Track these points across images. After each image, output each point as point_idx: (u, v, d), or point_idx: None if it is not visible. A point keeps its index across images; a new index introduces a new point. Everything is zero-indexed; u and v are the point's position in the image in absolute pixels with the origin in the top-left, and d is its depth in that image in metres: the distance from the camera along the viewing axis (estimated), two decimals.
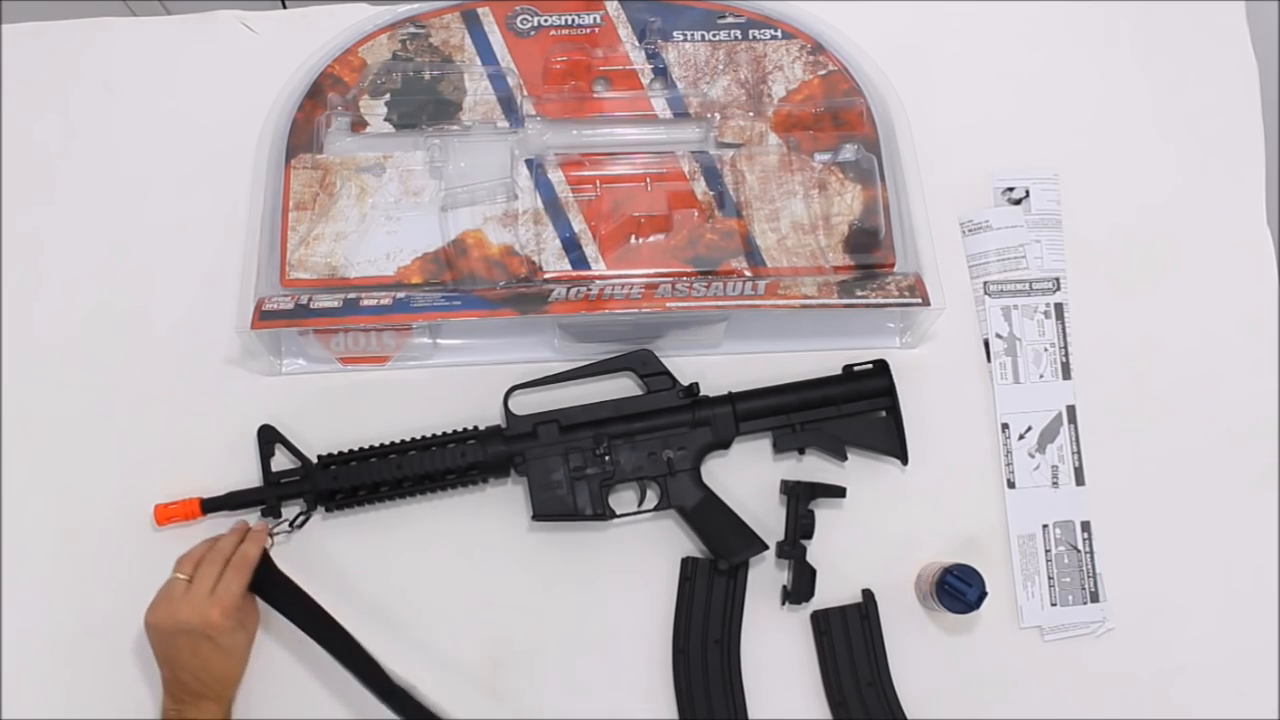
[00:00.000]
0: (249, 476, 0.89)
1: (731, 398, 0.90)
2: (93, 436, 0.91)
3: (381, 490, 0.86)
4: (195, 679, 0.80)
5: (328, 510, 0.87)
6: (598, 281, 0.90)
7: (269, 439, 0.87)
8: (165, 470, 0.89)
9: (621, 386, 0.93)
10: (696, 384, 0.89)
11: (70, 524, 0.89)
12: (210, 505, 0.86)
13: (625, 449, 0.88)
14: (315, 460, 0.87)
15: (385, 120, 0.95)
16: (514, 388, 0.89)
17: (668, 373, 0.90)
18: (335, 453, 0.87)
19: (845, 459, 0.90)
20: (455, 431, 0.88)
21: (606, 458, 0.87)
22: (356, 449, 0.87)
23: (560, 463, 0.87)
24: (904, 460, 0.90)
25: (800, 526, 0.86)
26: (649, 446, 0.88)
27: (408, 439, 0.88)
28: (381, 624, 0.87)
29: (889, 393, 0.90)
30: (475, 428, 0.88)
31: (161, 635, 0.80)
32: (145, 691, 0.86)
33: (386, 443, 0.87)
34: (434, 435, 0.88)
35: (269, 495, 0.86)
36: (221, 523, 0.88)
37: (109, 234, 0.96)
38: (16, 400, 0.92)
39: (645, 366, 0.90)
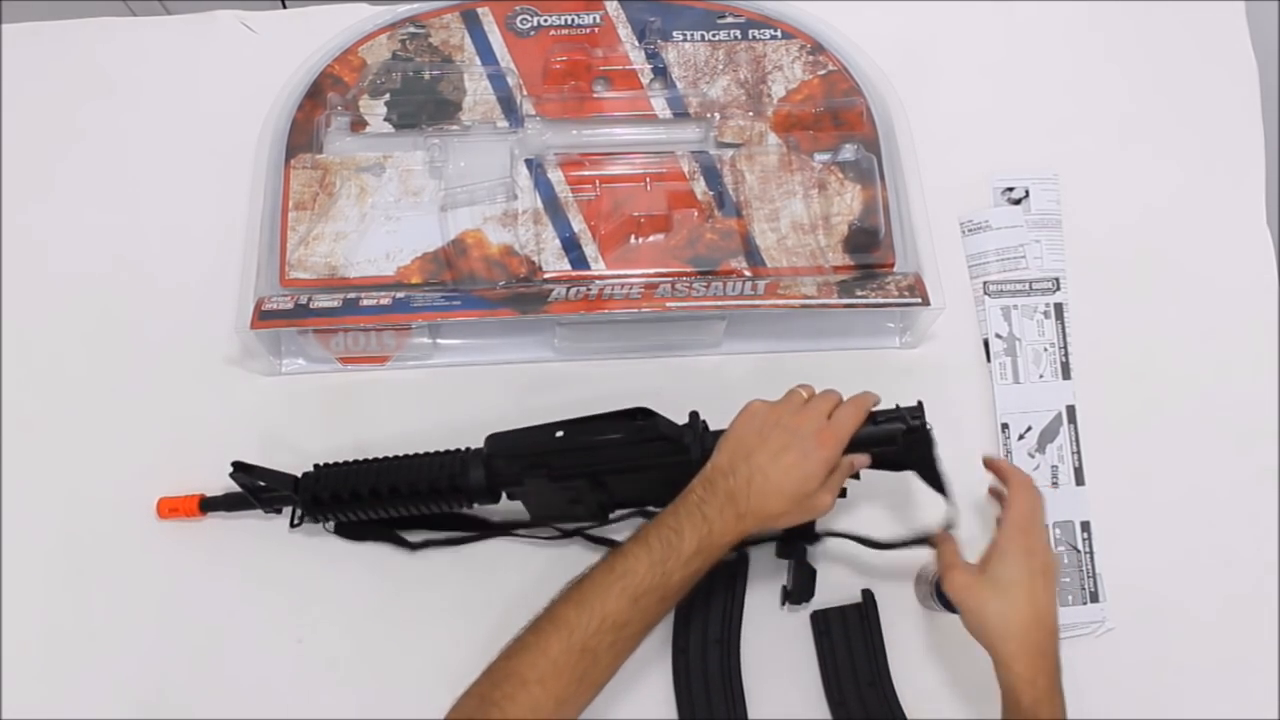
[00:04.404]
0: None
1: None
2: (92, 436, 0.91)
3: (365, 499, 0.82)
4: (747, 486, 0.72)
5: (315, 520, 0.84)
6: (597, 281, 0.90)
7: (244, 469, 0.82)
8: (165, 470, 0.89)
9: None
10: (696, 415, 0.81)
11: (70, 524, 0.89)
12: (209, 504, 0.86)
13: (623, 484, 0.82)
14: (300, 474, 0.84)
15: (385, 120, 0.95)
16: (495, 439, 0.81)
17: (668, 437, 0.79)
18: (325, 463, 0.84)
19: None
20: (443, 452, 0.83)
21: (604, 489, 0.82)
22: (346, 460, 0.84)
23: (554, 491, 0.81)
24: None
25: (800, 527, 0.86)
26: (649, 477, 0.81)
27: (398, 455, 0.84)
28: (380, 624, 0.87)
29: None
30: (466, 448, 0.82)
31: (755, 425, 0.74)
32: (147, 691, 0.85)
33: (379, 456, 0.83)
34: (421, 453, 0.84)
35: (263, 502, 0.84)
36: (221, 520, 0.88)
37: (109, 234, 0.96)
38: (16, 399, 0.92)
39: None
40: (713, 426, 0.80)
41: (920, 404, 0.79)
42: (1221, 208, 1.01)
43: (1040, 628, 0.72)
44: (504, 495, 0.82)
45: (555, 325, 0.92)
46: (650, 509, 0.85)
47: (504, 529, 0.88)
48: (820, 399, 0.76)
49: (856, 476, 0.79)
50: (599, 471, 0.80)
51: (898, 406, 0.79)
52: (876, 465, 0.79)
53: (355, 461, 0.84)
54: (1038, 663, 0.71)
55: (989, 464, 0.83)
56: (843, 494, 0.78)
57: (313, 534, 0.87)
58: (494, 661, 0.70)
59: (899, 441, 0.78)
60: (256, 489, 0.83)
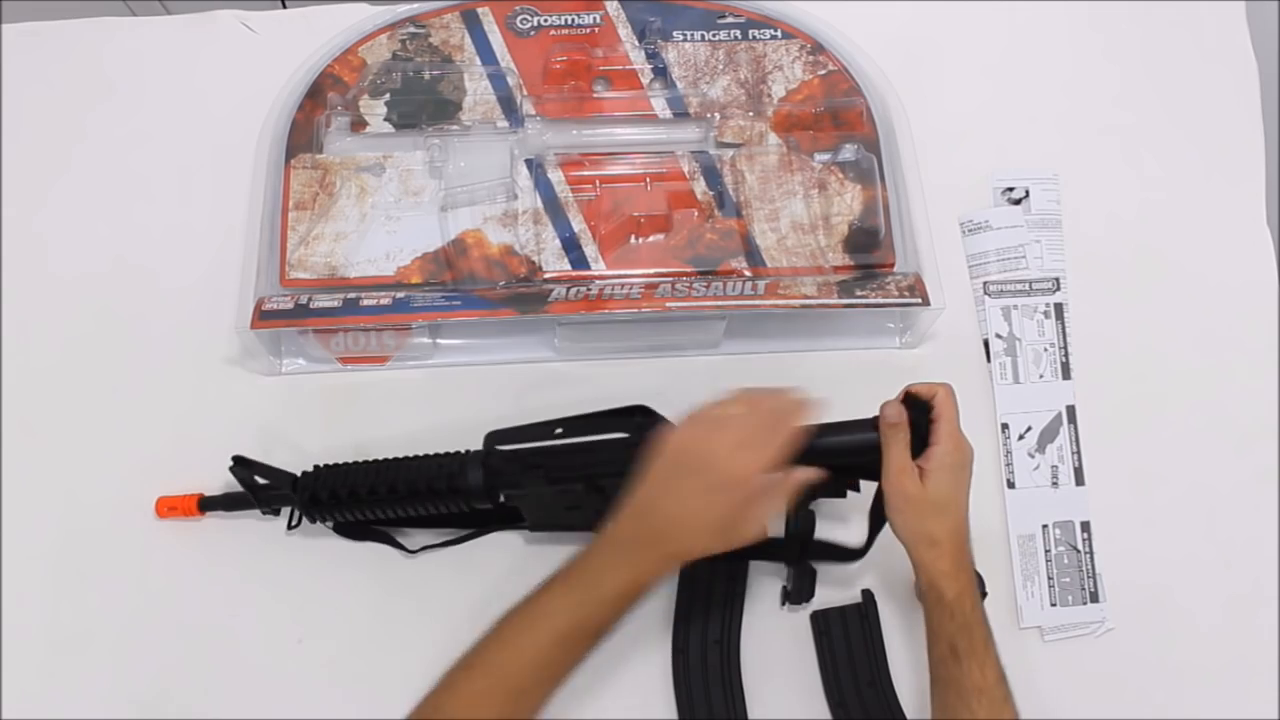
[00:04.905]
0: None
1: None
2: (92, 436, 0.91)
3: (364, 500, 0.82)
4: (667, 524, 0.69)
5: (312, 520, 0.84)
6: (597, 281, 0.90)
7: (244, 464, 0.83)
8: (165, 470, 0.89)
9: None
10: None
11: (70, 524, 0.89)
12: (207, 504, 0.86)
13: (621, 490, 0.79)
14: (300, 473, 0.84)
15: (385, 120, 0.95)
16: (494, 436, 0.82)
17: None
18: (324, 464, 0.84)
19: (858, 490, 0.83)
20: (442, 454, 0.83)
21: (603, 494, 0.80)
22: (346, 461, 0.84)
23: (553, 496, 0.81)
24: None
25: (796, 530, 0.86)
26: None
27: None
28: (381, 624, 0.87)
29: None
30: (465, 450, 0.82)
31: (676, 458, 0.70)
32: (147, 691, 0.85)
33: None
34: (420, 455, 0.84)
35: (261, 500, 0.84)
36: (220, 521, 0.88)
37: (109, 234, 0.96)
38: (16, 398, 0.92)
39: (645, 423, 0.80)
40: None
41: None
42: (1221, 207, 1.01)
43: (963, 530, 0.75)
44: (502, 498, 0.82)
45: (555, 325, 0.92)
46: None
47: (502, 524, 0.88)
48: (746, 417, 0.70)
49: (845, 493, 0.79)
50: (597, 474, 0.79)
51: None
52: (864, 476, 0.78)
53: (354, 462, 0.84)
54: (960, 559, 0.74)
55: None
56: (814, 500, 0.78)
57: (312, 534, 0.87)
58: (421, 701, 0.69)
59: (871, 453, 0.75)
60: (255, 487, 0.83)
